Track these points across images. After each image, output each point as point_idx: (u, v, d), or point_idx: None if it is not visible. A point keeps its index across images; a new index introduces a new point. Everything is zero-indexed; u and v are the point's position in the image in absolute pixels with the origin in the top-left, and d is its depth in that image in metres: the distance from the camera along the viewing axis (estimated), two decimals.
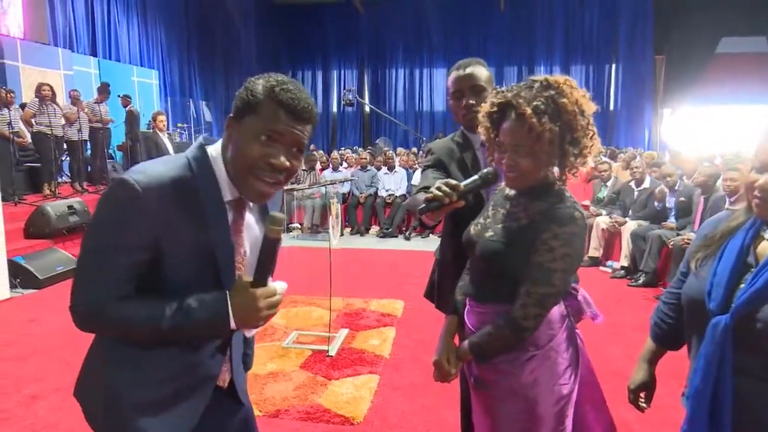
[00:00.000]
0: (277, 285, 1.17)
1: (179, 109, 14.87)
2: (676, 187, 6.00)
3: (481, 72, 1.98)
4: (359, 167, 9.85)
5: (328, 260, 3.95)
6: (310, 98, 1.16)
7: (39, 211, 6.34)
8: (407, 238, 8.66)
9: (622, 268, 6.12)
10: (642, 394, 1.54)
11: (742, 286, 1.15)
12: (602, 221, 6.62)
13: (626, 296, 5.43)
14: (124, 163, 9.94)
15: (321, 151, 12.75)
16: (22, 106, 8.39)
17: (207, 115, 15.75)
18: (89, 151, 9.42)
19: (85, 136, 8.84)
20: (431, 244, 7.36)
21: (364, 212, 9.19)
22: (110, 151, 10.43)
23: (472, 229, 1.56)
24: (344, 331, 4.25)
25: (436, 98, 19.19)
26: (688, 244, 4.67)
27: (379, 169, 9.70)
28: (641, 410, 1.54)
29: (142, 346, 1.16)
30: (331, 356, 3.78)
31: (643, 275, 5.72)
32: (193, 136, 13.36)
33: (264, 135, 1.12)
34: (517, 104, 1.35)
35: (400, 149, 12.77)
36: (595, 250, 6.64)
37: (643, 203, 6.36)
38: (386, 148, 11.97)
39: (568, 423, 1.46)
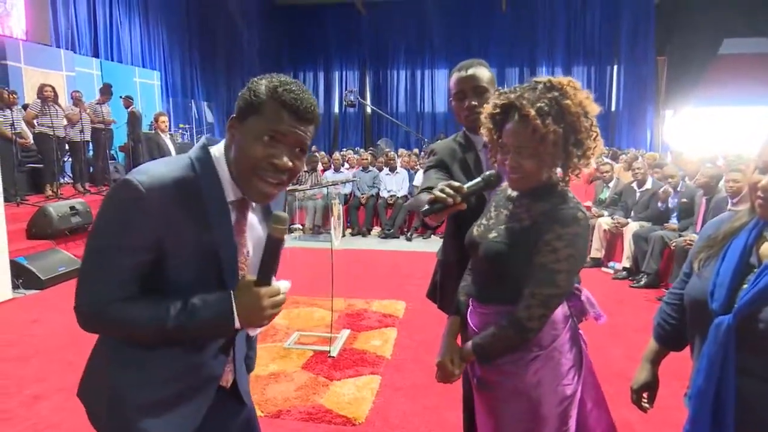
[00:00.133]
0: (280, 284, 1.18)
1: (181, 110, 14.90)
2: (678, 189, 6.00)
3: (483, 73, 1.98)
4: (361, 168, 9.86)
5: (330, 261, 3.96)
6: (312, 98, 1.16)
7: (41, 212, 6.36)
8: (409, 239, 8.66)
9: (624, 269, 6.11)
10: (645, 395, 1.54)
11: (745, 286, 1.15)
12: (604, 222, 6.62)
13: (628, 297, 5.42)
14: (126, 164, 9.95)
15: (323, 152, 12.75)
16: (25, 107, 8.41)
17: (209, 116, 15.79)
18: (91, 152, 9.44)
19: (87, 137, 8.86)
20: (433, 245, 7.37)
21: (366, 213, 9.20)
22: (112, 152, 10.45)
23: (475, 230, 1.56)
24: (346, 332, 4.25)
25: (437, 99, 19.17)
26: (690, 245, 4.67)
27: (380, 170, 9.70)
28: (644, 410, 1.55)
29: (146, 346, 1.17)
30: (333, 357, 3.78)
31: (645, 276, 5.71)
32: (194, 137, 13.39)
33: (267, 135, 1.12)
34: (521, 105, 1.34)
35: (401, 150, 12.77)
36: (596, 251, 6.63)
37: (645, 204, 6.35)
38: (388, 149, 11.98)
39: (572, 423, 1.46)
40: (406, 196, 9.16)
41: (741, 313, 1.13)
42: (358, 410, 3.05)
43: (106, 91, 9.39)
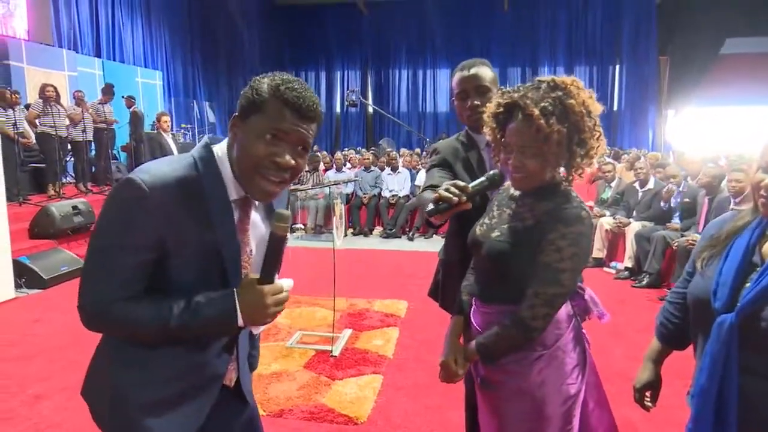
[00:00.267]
0: (283, 282, 1.18)
1: (183, 109, 14.91)
2: (681, 188, 5.99)
3: (486, 72, 1.98)
4: (363, 168, 9.87)
5: (332, 261, 3.96)
6: (315, 97, 1.16)
7: (44, 212, 6.37)
8: (410, 239, 8.66)
9: (626, 269, 6.10)
10: (647, 394, 1.54)
11: (748, 285, 1.16)
12: (606, 222, 6.61)
13: (630, 297, 5.42)
14: (128, 163, 9.97)
15: (325, 152, 12.76)
16: (27, 106, 8.43)
17: (210, 116, 15.80)
18: (93, 152, 9.45)
19: (90, 136, 8.88)
20: (434, 244, 7.37)
21: (368, 213, 9.20)
22: (114, 151, 10.47)
23: (478, 229, 1.55)
24: (348, 332, 4.25)
25: (439, 99, 19.16)
26: (693, 245, 4.66)
27: (382, 169, 9.71)
28: (646, 409, 1.55)
29: (149, 345, 1.16)
30: (335, 356, 3.79)
31: (647, 276, 5.71)
32: (196, 137, 13.42)
33: (269, 134, 1.12)
34: (525, 105, 1.34)
35: (403, 150, 12.77)
36: (599, 251, 6.62)
37: (647, 204, 6.35)
38: (389, 149, 11.98)
39: (575, 423, 1.46)
40: (407, 196, 9.16)
41: (744, 312, 1.13)
42: (360, 410, 3.05)
43: (108, 91, 9.40)
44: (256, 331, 1.28)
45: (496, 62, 16.31)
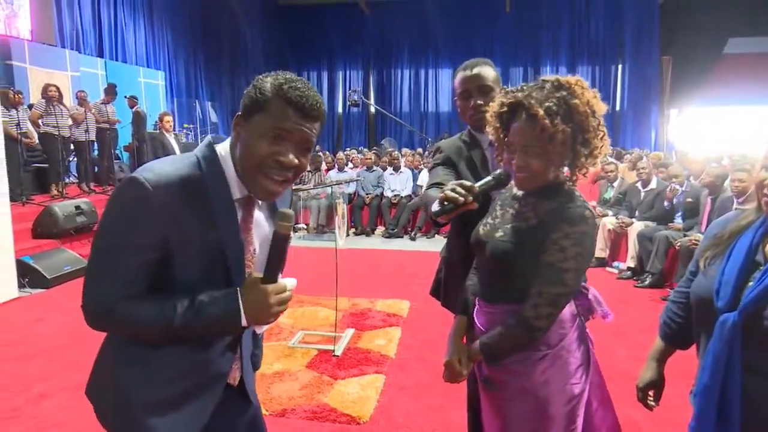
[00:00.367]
0: (287, 281, 1.18)
1: (185, 109, 14.95)
2: (683, 188, 5.98)
3: (489, 72, 1.98)
4: (365, 168, 9.87)
5: (334, 260, 3.96)
6: (318, 96, 1.15)
7: (47, 212, 6.39)
8: (412, 239, 8.65)
9: (629, 269, 6.09)
10: (650, 393, 1.54)
11: (751, 284, 1.16)
12: (608, 222, 6.60)
13: (632, 297, 5.41)
14: (131, 163, 9.98)
15: (327, 152, 12.76)
16: (30, 106, 8.44)
17: (213, 116, 15.83)
18: (96, 152, 9.46)
19: (92, 136, 8.89)
20: (436, 244, 7.36)
21: (370, 213, 9.20)
22: (117, 151, 10.49)
23: (481, 229, 1.55)
24: (350, 331, 4.25)
25: (441, 99, 19.16)
26: (695, 244, 4.66)
27: (384, 169, 9.70)
28: (650, 408, 1.55)
29: (152, 344, 1.17)
30: (337, 356, 3.79)
31: (650, 276, 5.70)
32: (199, 137, 13.43)
33: (272, 133, 1.12)
34: (529, 105, 1.34)
35: (405, 150, 12.76)
36: (601, 251, 6.61)
37: (649, 204, 6.33)
38: (391, 149, 11.97)
39: (579, 422, 1.46)
40: (410, 196, 9.16)
41: (746, 311, 1.13)
42: (362, 409, 3.05)
43: (111, 91, 9.42)
44: (259, 330, 1.28)
45: (498, 62, 16.29)
